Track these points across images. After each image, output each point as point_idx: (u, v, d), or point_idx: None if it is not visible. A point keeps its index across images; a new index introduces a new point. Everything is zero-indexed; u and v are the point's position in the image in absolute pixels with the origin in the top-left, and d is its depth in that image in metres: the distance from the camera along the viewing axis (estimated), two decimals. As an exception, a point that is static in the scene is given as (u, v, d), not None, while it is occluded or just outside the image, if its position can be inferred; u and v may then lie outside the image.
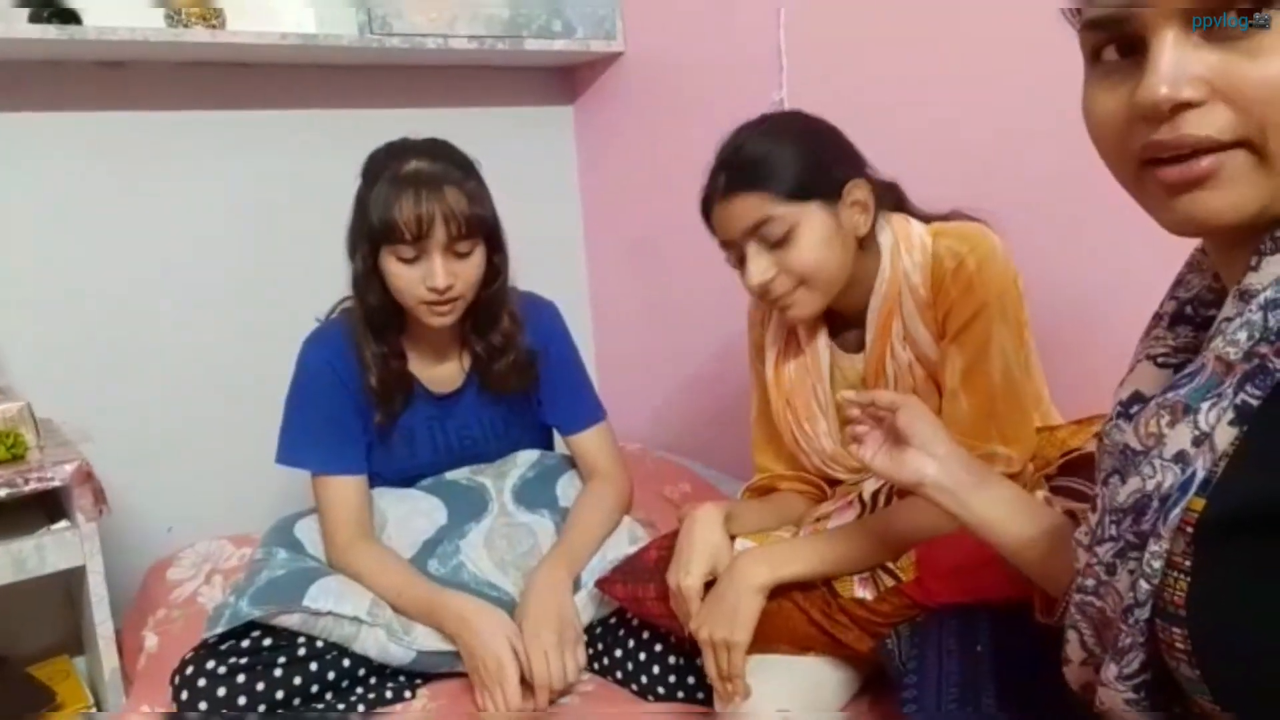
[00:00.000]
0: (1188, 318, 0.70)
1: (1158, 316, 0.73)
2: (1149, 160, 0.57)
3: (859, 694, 1.15)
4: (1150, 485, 0.60)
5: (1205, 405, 0.58)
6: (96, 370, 1.76)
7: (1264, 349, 0.55)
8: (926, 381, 1.19)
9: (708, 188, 1.16)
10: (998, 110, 1.40)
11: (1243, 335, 0.57)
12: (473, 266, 1.31)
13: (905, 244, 1.17)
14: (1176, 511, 0.58)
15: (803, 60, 1.68)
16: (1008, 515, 0.85)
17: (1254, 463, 0.55)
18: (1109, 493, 0.64)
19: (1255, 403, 0.55)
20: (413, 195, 1.24)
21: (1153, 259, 0.77)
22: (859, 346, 1.24)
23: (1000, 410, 1.12)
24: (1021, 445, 1.13)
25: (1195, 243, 0.71)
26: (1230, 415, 0.56)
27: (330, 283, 1.38)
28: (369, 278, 1.30)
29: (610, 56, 2.12)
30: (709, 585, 1.11)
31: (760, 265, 1.12)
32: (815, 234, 1.11)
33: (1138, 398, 0.69)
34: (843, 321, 1.25)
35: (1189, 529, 0.57)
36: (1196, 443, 0.58)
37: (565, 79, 2.27)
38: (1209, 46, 0.54)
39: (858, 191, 1.14)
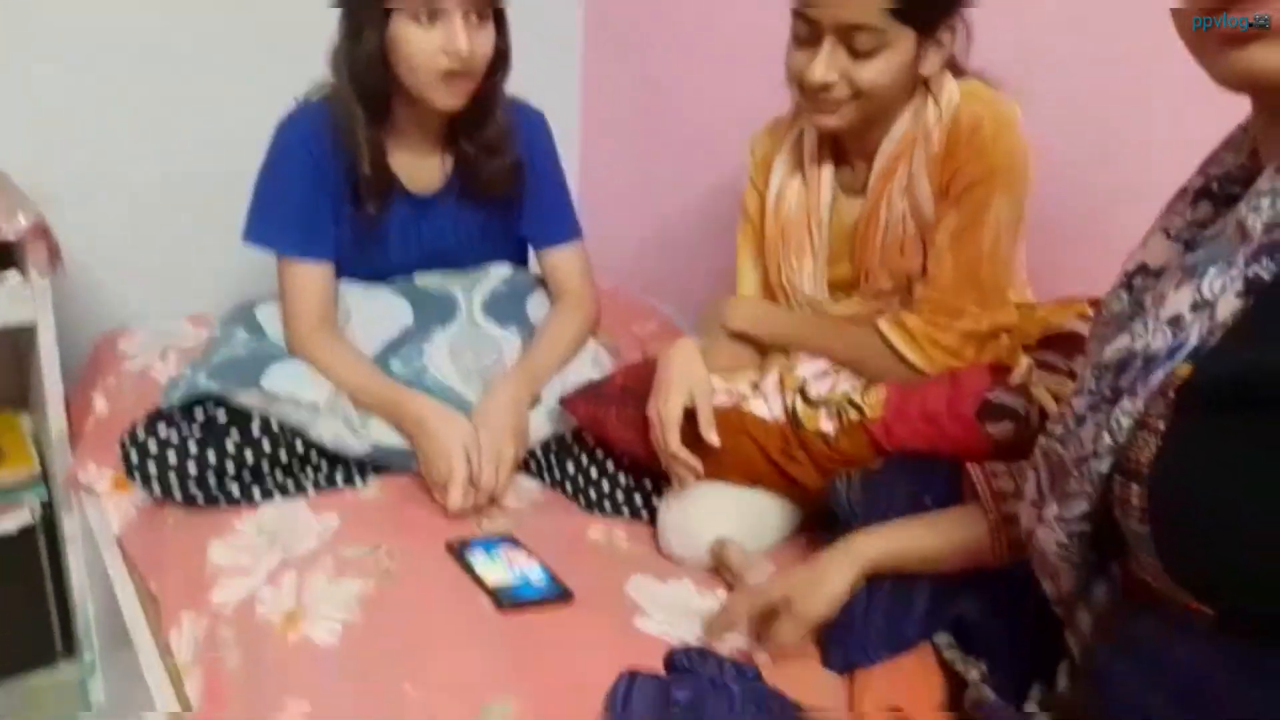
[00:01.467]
0: (1212, 194, 0.68)
1: (1183, 191, 0.71)
2: (1209, 10, 0.54)
3: (798, 531, 1.19)
4: (1139, 345, 0.59)
5: (1212, 271, 0.56)
6: (65, 133, 1.67)
7: None
8: (915, 239, 1.18)
9: None
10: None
11: (1266, 202, 0.55)
12: (489, 39, 1.24)
13: (932, 102, 1.15)
14: (1160, 374, 0.57)
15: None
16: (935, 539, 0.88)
17: (1255, 336, 0.54)
18: (1096, 348, 0.64)
19: (1268, 277, 0.54)
20: None
21: (1170, 168, 0.75)
22: (861, 188, 1.22)
23: (983, 276, 1.13)
24: (994, 314, 1.14)
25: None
26: (1238, 286, 0.55)
27: (312, 58, 1.30)
28: (368, 50, 1.22)
29: None
30: (688, 415, 1.13)
31: (831, 64, 1.08)
32: (897, 60, 1.08)
33: (1143, 269, 0.69)
34: (849, 158, 1.23)
35: (1170, 393, 0.57)
36: (1195, 308, 0.57)
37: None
38: None
39: (947, 35, 1.11)
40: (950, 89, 1.14)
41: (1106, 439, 0.60)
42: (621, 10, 2.11)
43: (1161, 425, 0.57)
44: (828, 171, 1.24)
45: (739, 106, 1.48)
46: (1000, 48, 1.17)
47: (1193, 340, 0.57)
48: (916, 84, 1.14)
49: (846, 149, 1.23)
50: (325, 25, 1.26)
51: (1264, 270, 0.54)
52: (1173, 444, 0.57)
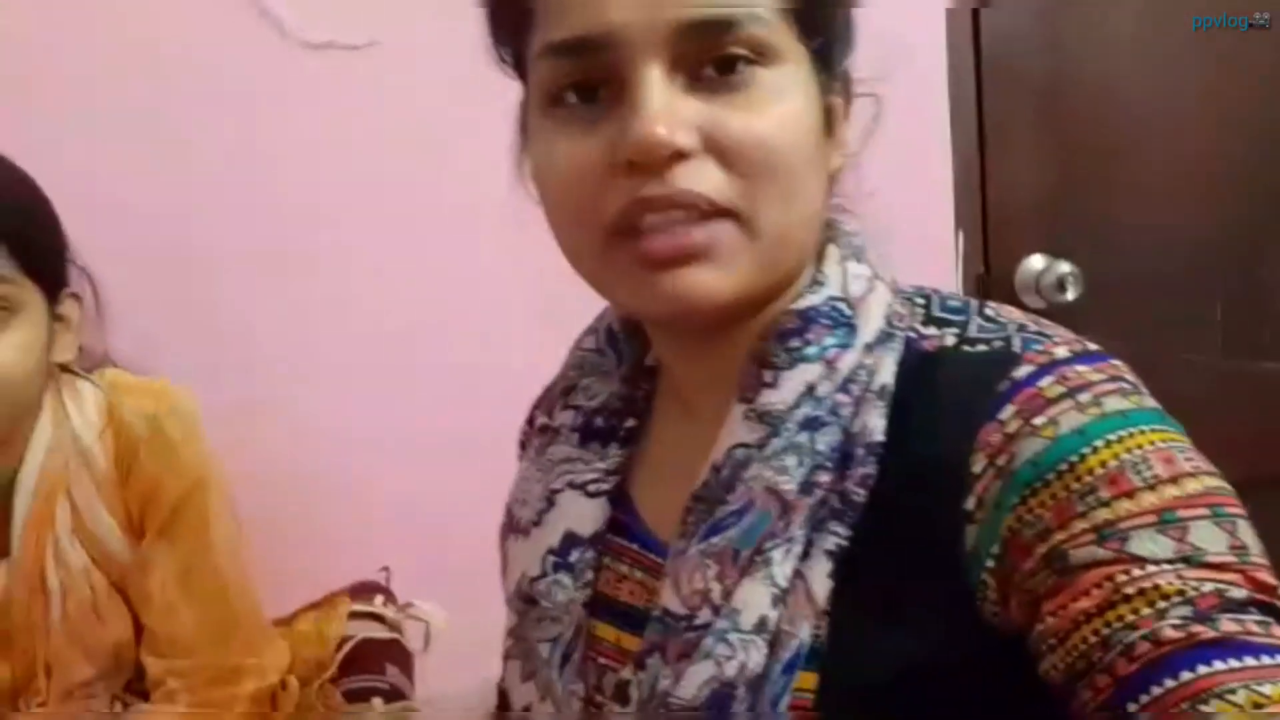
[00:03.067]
0: (600, 431, 0.59)
1: (549, 430, 0.61)
2: (620, 231, 0.47)
3: None
4: (731, 669, 0.47)
5: (777, 554, 0.48)
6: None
7: (824, 477, 0.48)
8: (110, 595, 0.89)
9: None
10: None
11: (792, 461, 0.48)
12: None
13: (73, 399, 0.89)
14: (785, 698, 0.47)
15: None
16: None
17: (870, 617, 0.47)
18: (648, 679, 0.50)
19: (845, 544, 0.48)
20: None
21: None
22: None
23: (239, 612, 0.91)
24: (273, 651, 0.93)
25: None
26: (825, 564, 0.48)
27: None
28: None
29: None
30: None
31: None
32: (32, 335, 0.83)
33: (574, 540, 0.57)
34: None
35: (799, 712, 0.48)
36: (778, 603, 0.47)
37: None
38: (694, 96, 0.46)
39: (72, 302, 0.87)
40: (86, 387, 0.90)
41: None
42: None
43: None
44: None
45: None
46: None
47: (803, 639, 0.47)
48: (48, 379, 0.87)
49: None
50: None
51: (840, 537, 0.48)
52: None
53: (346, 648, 0.97)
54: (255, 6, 1.14)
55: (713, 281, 0.47)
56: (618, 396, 0.60)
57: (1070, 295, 1.35)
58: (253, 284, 1.19)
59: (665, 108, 0.45)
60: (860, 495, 0.48)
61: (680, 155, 0.46)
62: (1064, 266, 1.35)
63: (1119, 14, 1.34)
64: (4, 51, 1.08)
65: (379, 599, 1.05)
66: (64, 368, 0.89)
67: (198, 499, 0.88)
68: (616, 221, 0.47)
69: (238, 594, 0.91)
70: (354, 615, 1.00)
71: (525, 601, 0.58)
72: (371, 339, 1.21)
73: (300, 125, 1.18)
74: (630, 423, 0.59)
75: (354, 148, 1.19)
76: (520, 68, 0.53)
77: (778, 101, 0.47)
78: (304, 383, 1.20)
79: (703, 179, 0.46)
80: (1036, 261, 1.37)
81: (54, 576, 0.87)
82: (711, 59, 0.46)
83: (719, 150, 0.46)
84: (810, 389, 0.49)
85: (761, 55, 0.47)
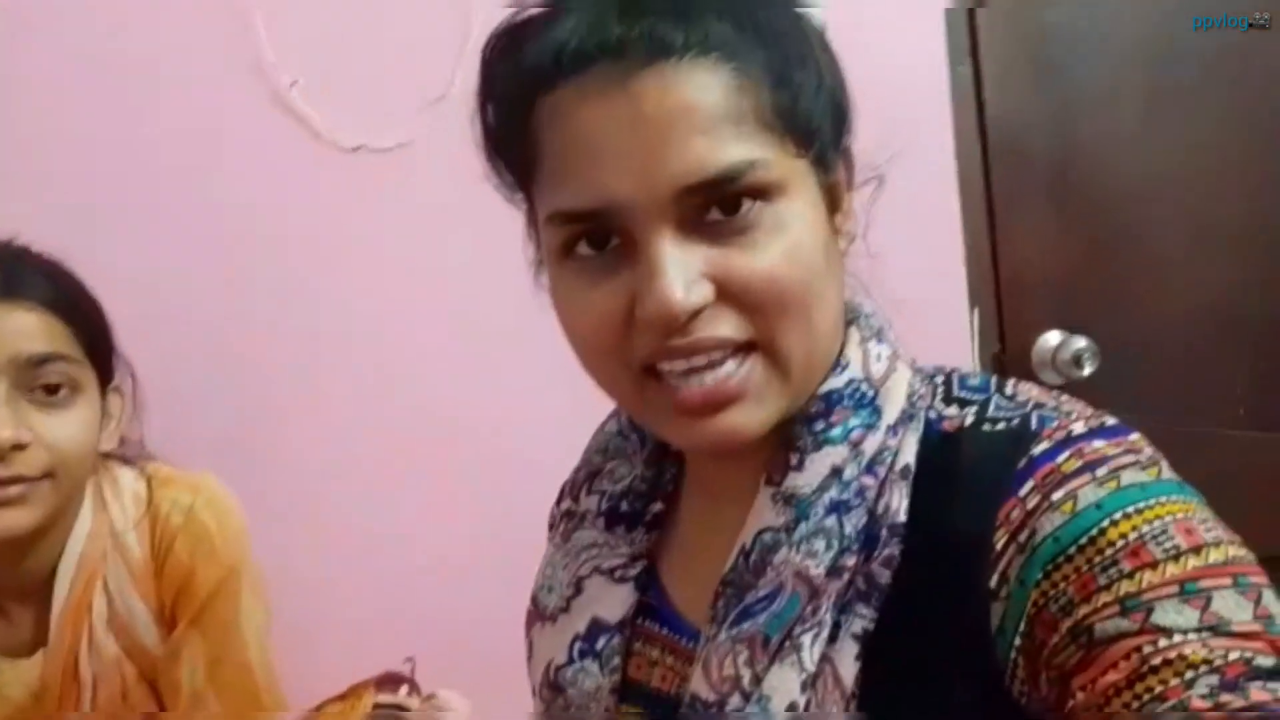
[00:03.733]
0: (625, 516, 0.60)
1: (574, 515, 0.62)
2: (651, 373, 0.50)
3: None
4: None
5: (806, 639, 0.48)
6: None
7: (850, 560, 0.49)
8: (139, 686, 0.90)
9: None
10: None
11: (820, 545, 0.49)
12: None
13: (111, 487, 0.90)
14: None
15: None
16: None
17: (899, 699, 0.47)
18: None
19: (871, 626, 0.48)
20: None
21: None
22: (32, 642, 0.88)
23: (265, 705, 0.91)
24: None
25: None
26: (852, 647, 0.48)
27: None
28: None
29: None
30: None
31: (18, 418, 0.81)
32: (91, 414, 0.85)
33: (601, 627, 0.57)
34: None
35: None
36: (807, 687, 0.48)
37: None
38: (701, 241, 0.48)
39: (115, 395, 0.90)
40: (124, 477, 0.91)
41: None
42: None
43: None
44: None
45: None
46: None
47: None
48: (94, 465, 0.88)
49: None
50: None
51: (865, 620, 0.48)
52: None
53: None
54: (291, 113, 1.20)
55: (748, 421, 0.49)
56: (642, 479, 0.60)
57: (1087, 370, 1.35)
58: (282, 381, 1.22)
59: (680, 269, 0.46)
60: (885, 577, 0.49)
61: (697, 311, 0.47)
62: (1080, 341, 1.36)
63: (1124, 86, 1.37)
64: (43, 150, 1.13)
65: (403, 689, 1.04)
66: (105, 456, 0.91)
67: (230, 589, 0.89)
68: (645, 360, 0.49)
69: (265, 686, 0.91)
70: (378, 707, 0.99)
71: (553, 690, 0.57)
72: (399, 435, 1.23)
73: (333, 225, 1.22)
74: (657, 507, 0.60)
75: (386, 246, 1.23)
76: (527, 198, 0.54)
77: (783, 235, 0.48)
78: (332, 479, 1.22)
79: (721, 324, 0.48)
80: (1052, 337, 1.38)
81: (87, 667, 0.87)
82: (716, 202, 0.47)
83: (732, 295, 0.48)
84: (836, 471, 0.50)
85: (764, 192, 0.48)
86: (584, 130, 0.47)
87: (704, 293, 0.47)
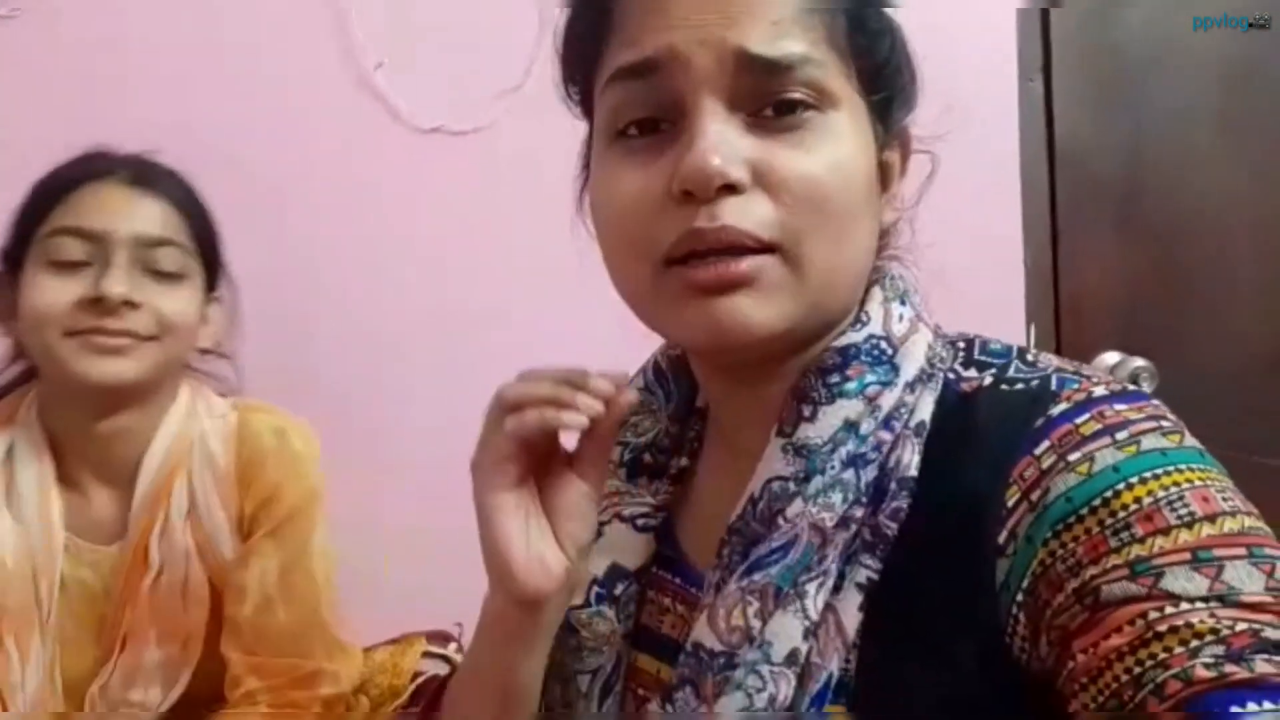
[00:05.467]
0: (648, 467, 0.60)
1: None
2: (674, 259, 0.49)
3: None
4: (761, 701, 0.48)
5: (811, 588, 0.48)
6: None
7: (858, 511, 0.49)
8: (200, 584, 0.94)
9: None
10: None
11: (837, 498, 0.49)
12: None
13: (204, 404, 0.98)
14: None
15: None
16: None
17: (899, 651, 0.47)
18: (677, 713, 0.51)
19: (876, 577, 0.48)
20: None
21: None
22: (114, 529, 0.94)
23: (325, 619, 0.95)
24: (346, 663, 0.97)
25: None
26: (855, 597, 0.48)
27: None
28: None
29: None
30: None
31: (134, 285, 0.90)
32: (188, 296, 0.94)
33: (619, 573, 0.57)
34: (79, 479, 0.94)
35: None
36: (809, 635, 0.48)
37: None
38: (751, 134, 0.48)
39: (216, 304, 0.99)
40: (216, 399, 1.00)
41: None
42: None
43: None
44: (57, 502, 0.92)
45: None
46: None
47: (834, 672, 0.48)
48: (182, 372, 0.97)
49: (76, 465, 0.94)
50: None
51: (871, 570, 0.48)
52: None
53: (419, 680, 1.02)
54: (375, 97, 1.24)
55: (754, 310, 0.48)
56: (667, 434, 0.61)
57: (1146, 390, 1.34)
58: (357, 353, 1.26)
59: (721, 139, 0.47)
60: (891, 529, 0.49)
61: (731, 188, 0.47)
62: (1138, 361, 1.34)
63: (1197, 106, 1.35)
64: (145, 131, 1.18)
65: (452, 646, 1.10)
66: (206, 351, 1.00)
67: (309, 509, 0.96)
68: (669, 251, 0.49)
69: (326, 602, 0.96)
70: (427, 655, 1.03)
71: (566, 630, 0.57)
72: (468, 409, 1.25)
73: (406, 203, 1.26)
74: (682, 462, 0.60)
75: (455, 226, 1.26)
76: (588, 104, 0.56)
77: (830, 144, 0.49)
78: (402, 449, 1.25)
79: (751, 213, 0.47)
80: (1110, 358, 1.37)
81: (155, 551, 0.92)
82: (771, 101, 0.48)
83: (769, 186, 0.48)
84: (852, 425, 0.50)
85: (819, 99, 0.49)
86: None
87: (741, 172, 0.47)
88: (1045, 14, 1.36)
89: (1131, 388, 0.50)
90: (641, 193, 0.49)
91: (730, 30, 0.48)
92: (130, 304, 0.88)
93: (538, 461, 0.53)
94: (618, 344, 0.63)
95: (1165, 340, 1.36)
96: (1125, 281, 1.40)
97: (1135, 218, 1.39)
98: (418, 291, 1.27)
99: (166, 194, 0.94)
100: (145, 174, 0.94)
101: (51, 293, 0.88)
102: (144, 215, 0.92)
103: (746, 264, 0.48)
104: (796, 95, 0.48)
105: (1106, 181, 1.38)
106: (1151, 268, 1.39)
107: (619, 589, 0.57)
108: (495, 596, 0.53)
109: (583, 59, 0.54)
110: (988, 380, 0.52)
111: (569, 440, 0.54)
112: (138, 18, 1.20)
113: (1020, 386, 0.51)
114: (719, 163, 0.46)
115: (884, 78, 0.52)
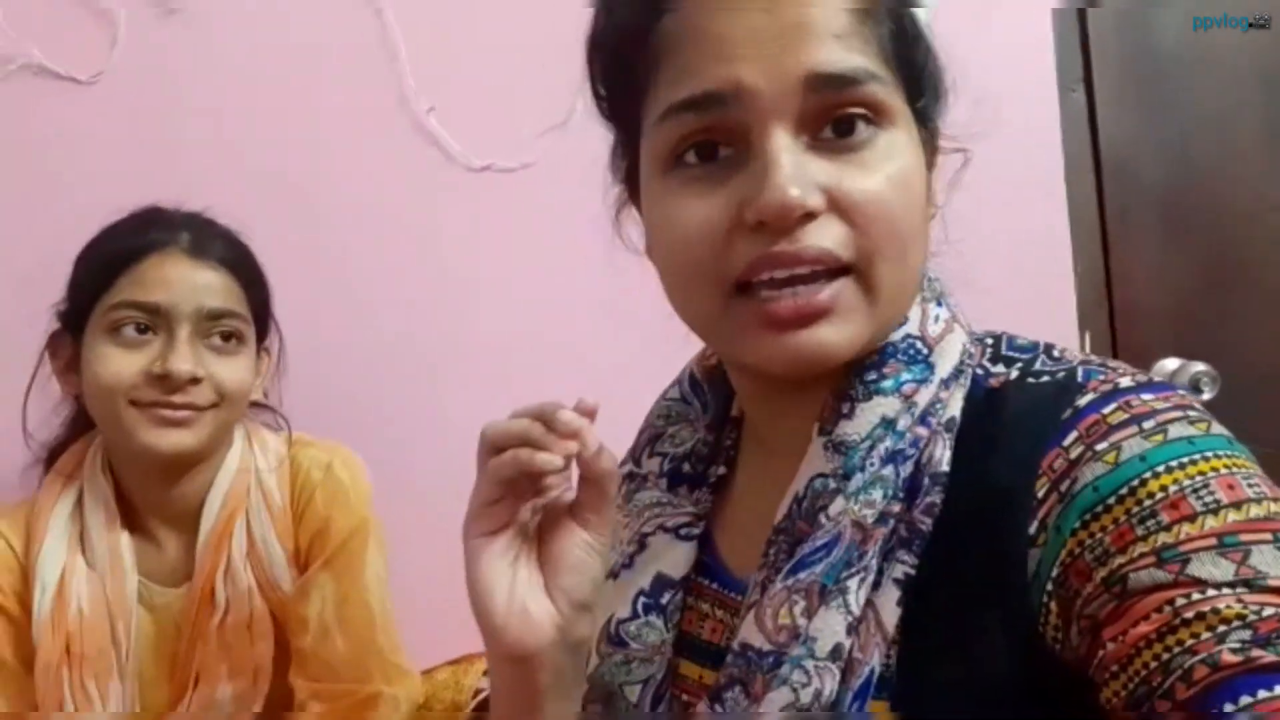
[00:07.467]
0: (687, 477, 0.61)
1: (636, 477, 0.62)
2: (742, 289, 0.49)
3: None
4: (806, 696, 0.48)
5: (853, 584, 0.49)
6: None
7: (895, 507, 0.50)
8: (264, 619, 0.97)
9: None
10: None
11: (878, 495, 0.50)
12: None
13: (259, 443, 1.02)
14: None
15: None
16: None
17: (937, 645, 0.48)
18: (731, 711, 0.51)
19: (913, 572, 0.49)
20: None
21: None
22: (180, 573, 0.98)
23: (382, 645, 0.99)
24: (405, 685, 0.99)
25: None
26: (893, 592, 0.49)
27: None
28: None
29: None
30: None
31: (197, 359, 0.94)
32: (252, 362, 0.99)
33: (665, 582, 0.58)
34: (146, 524, 0.99)
35: None
36: (851, 631, 0.48)
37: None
38: (816, 156, 0.48)
39: (265, 355, 1.04)
40: (268, 435, 1.04)
41: None
42: None
43: None
44: (128, 549, 0.96)
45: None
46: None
47: (875, 668, 0.48)
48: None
49: (141, 512, 0.98)
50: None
51: (908, 565, 0.49)
52: None
53: (479, 698, 1.04)
54: (429, 140, 1.30)
55: (834, 339, 0.49)
56: (704, 443, 0.61)
57: (1206, 395, 1.31)
58: (408, 387, 1.30)
59: (796, 169, 0.47)
60: (926, 524, 0.49)
61: (809, 215, 0.47)
62: (1198, 365, 1.32)
63: (1242, 108, 1.33)
64: (187, 164, 1.24)
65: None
66: (254, 406, 1.03)
67: (360, 538, 0.99)
68: (741, 278, 0.49)
69: (382, 628, 0.99)
70: (488, 674, 1.06)
71: (614, 644, 0.58)
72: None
73: (460, 238, 1.31)
74: (720, 470, 0.61)
75: (506, 261, 1.31)
76: (627, 132, 0.56)
77: (893, 162, 0.49)
78: (454, 482, 1.27)
79: (827, 236, 0.48)
80: (1170, 364, 1.35)
81: (222, 592, 0.96)
82: (831, 119, 0.48)
83: (841, 209, 0.48)
84: (889, 422, 0.51)
85: (878, 116, 0.49)
86: (717, 23, 0.48)
87: (818, 199, 0.47)
88: (1083, 22, 1.36)
89: (1158, 379, 0.50)
90: (705, 221, 0.49)
91: (796, 54, 0.47)
92: (194, 380, 0.92)
93: (545, 514, 0.53)
94: (665, 376, 0.64)
95: (1222, 343, 1.34)
96: (1178, 286, 1.38)
97: (1184, 221, 1.37)
98: (475, 322, 1.31)
99: (224, 262, 0.97)
100: (203, 242, 0.97)
101: (116, 363, 0.91)
102: (205, 287, 0.95)
103: (826, 293, 0.48)
104: (858, 112, 0.49)
105: (1153, 186, 1.37)
106: (1204, 271, 1.37)
107: (665, 598, 0.57)
108: (486, 650, 0.54)
109: (627, 90, 0.54)
110: (1014, 374, 0.53)
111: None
112: (200, 76, 1.26)
113: (1046, 379, 0.51)
114: (798, 194, 0.47)
115: (923, 83, 0.53)
